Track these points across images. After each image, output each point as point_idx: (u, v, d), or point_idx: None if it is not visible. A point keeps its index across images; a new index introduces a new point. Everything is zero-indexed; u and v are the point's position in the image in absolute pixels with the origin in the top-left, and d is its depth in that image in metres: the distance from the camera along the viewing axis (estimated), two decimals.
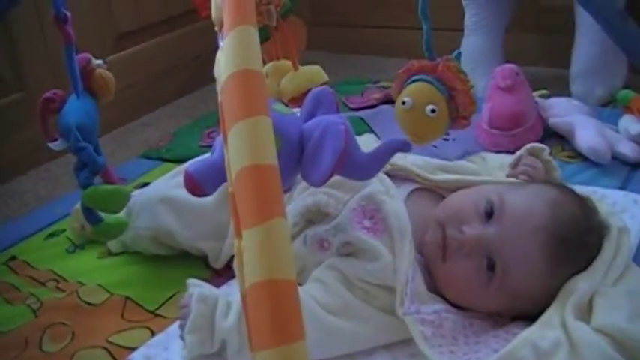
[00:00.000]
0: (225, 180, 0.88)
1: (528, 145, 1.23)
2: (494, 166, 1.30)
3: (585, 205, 1.06)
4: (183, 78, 2.39)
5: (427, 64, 1.33)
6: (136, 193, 1.40)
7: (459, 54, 1.38)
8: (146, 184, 1.61)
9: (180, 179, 0.95)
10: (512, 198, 1.03)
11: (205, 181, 0.90)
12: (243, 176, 0.56)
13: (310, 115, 0.98)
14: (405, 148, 0.96)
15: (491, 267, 0.99)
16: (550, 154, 1.25)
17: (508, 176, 1.19)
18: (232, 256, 1.24)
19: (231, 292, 1.11)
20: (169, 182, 1.30)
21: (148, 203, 1.30)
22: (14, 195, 1.81)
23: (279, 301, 0.52)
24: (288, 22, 1.38)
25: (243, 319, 0.55)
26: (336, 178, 0.92)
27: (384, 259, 1.01)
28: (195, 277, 1.25)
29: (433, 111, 1.27)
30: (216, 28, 0.74)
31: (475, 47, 2.07)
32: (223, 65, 0.63)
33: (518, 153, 1.23)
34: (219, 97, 0.64)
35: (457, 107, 1.32)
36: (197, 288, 1.04)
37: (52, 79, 1.83)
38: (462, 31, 2.14)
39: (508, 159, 1.26)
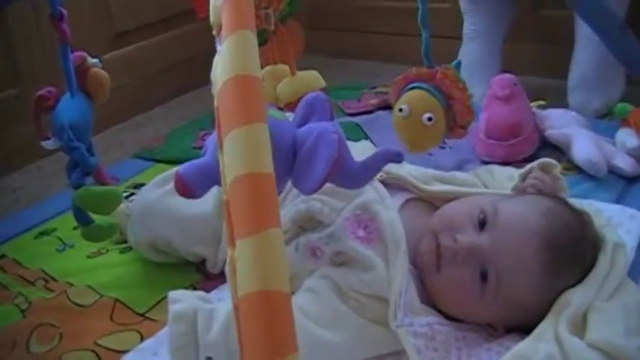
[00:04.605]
0: (215, 182, 0.88)
1: (541, 160, 1.20)
2: (503, 178, 1.27)
3: (580, 216, 1.06)
4: (178, 78, 2.38)
5: (425, 71, 1.32)
6: (133, 198, 1.39)
7: (459, 63, 1.37)
8: (139, 185, 1.60)
9: (172, 184, 0.94)
10: (505, 207, 1.02)
11: (195, 182, 0.89)
12: (238, 184, 0.55)
13: (303, 121, 0.97)
14: (397, 158, 0.95)
15: (485, 276, 0.98)
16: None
17: (514, 189, 1.17)
18: (225, 261, 1.24)
19: (221, 297, 1.10)
20: (163, 187, 1.29)
21: (145, 211, 1.29)
22: (6, 191, 1.81)
23: (273, 313, 0.51)
24: (286, 26, 1.37)
25: (234, 329, 0.54)
26: (329, 185, 0.92)
27: (377, 269, 1.00)
28: (186, 280, 1.26)
29: (430, 119, 1.27)
30: (214, 32, 0.73)
31: (473, 56, 2.07)
32: (220, 70, 0.62)
33: (529, 165, 1.20)
34: (216, 102, 0.63)
35: (454, 116, 1.31)
36: (174, 305, 1.00)
37: (47, 76, 1.81)
38: (460, 39, 2.13)
39: (515, 171, 1.23)
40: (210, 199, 1.17)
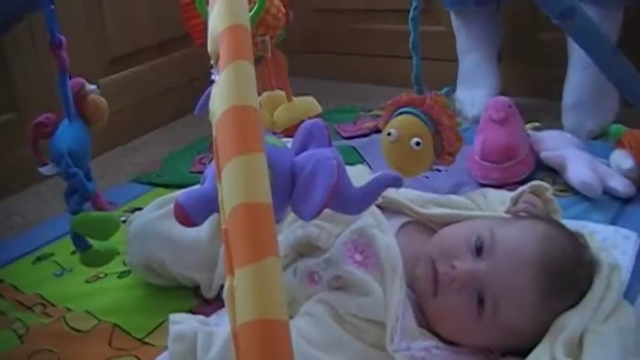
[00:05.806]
0: (214, 210, 0.89)
1: (532, 183, 1.21)
2: (495, 201, 1.27)
3: (576, 240, 1.05)
4: (175, 102, 2.39)
5: (415, 97, 1.34)
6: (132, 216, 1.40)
7: (449, 90, 1.39)
8: (136, 209, 1.60)
9: (171, 208, 0.95)
10: (502, 233, 1.02)
11: (195, 211, 0.90)
12: (237, 214, 0.56)
13: (302, 148, 0.98)
14: (396, 183, 0.96)
15: (482, 302, 0.98)
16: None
17: (507, 212, 1.18)
18: (222, 286, 1.23)
19: (219, 322, 1.10)
20: (160, 210, 1.29)
21: (141, 233, 1.29)
22: (2, 216, 1.80)
23: (271, 341, 0.51)
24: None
25: (232, 351, 0.54)
26: (327, 210, 0.92)
27: (374, 294, 1.00)
28: (184, 305, 1.26)
29: (418, 144, 1.28)
30: (212, 61, 0.73)
31: (472, 65, 2.11)
32: (219, 100, 0.63)
33: (520, 189, 1.20)
34: (214, 132, 0.63)
35: (442, 142, 1.33)
36: (175, 326, 1.02)
37: (44, 100, 1.82)
38: (455, 61, 2.15)
39: (508, 195, 1.23)
40: (204, 225, 1.18)
